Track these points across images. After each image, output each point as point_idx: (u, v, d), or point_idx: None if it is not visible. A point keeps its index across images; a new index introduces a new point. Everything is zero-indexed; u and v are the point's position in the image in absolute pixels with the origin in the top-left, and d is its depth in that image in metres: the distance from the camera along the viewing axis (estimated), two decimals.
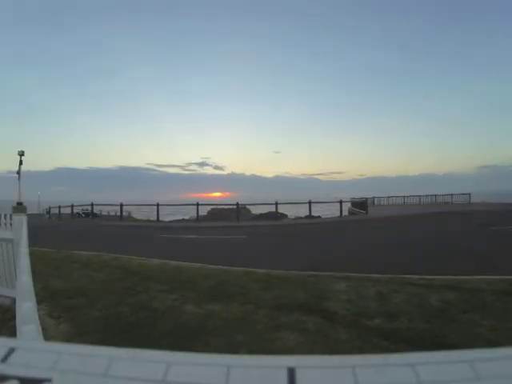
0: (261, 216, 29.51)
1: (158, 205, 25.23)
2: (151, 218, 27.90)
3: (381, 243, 11.23)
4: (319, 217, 27.43)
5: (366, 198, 30.56)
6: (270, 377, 0.50)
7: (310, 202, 25.11)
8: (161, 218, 25.64)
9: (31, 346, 0.61)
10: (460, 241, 11.19)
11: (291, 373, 0.49)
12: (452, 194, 40.21)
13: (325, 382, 0.50)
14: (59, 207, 31.56)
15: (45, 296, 5.15)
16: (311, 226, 19.16)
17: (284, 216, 28.89)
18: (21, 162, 20.66)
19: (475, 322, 3.91)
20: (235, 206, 25.09)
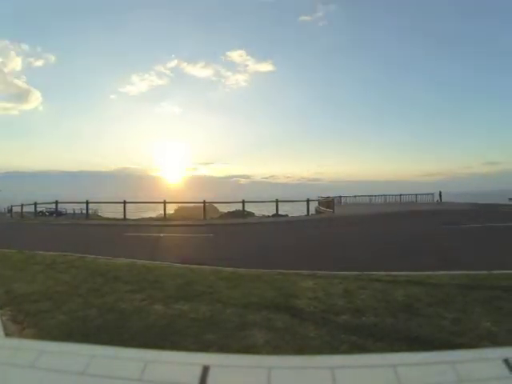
0: (228, 214, 29.68)
1: (124, 202, 24.66)
2: (118, 216, 27.33)
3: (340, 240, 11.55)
4: (286, 215, 27.80)
5: (333, 197, 31.13)
6: (183, 374, 0.51)
7: (276, 201, 25.41)
8: (128, 216, 25.13)
9: None
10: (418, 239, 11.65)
11: (205, 371, 0.50)
12: (416, 194, 42.15)
13: (237, 381, 0.51)
14: (21, 205, 30.30)
15: (7, 300, 4.95)
16: (274, 225, 20.08)
17: (251, 214, 29.24)
18: None
19: (439, 315, 4.08)
20: (202, 204, 24.94)
